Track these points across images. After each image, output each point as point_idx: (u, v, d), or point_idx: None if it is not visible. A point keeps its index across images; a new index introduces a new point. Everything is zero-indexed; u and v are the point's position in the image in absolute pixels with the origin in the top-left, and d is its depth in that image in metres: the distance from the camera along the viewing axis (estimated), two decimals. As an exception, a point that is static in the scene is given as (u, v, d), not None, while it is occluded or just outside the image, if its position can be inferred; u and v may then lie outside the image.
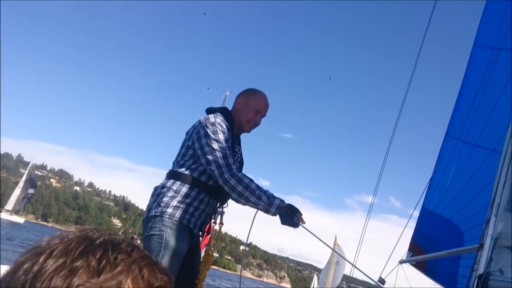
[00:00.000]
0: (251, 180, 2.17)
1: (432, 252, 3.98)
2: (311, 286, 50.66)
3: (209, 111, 2.44)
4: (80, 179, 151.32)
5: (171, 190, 2.20)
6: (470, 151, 4.03)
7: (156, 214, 2.15)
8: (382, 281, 3.72)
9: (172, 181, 2.24)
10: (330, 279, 48.73)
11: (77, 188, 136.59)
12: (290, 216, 2.18)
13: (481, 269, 2.56)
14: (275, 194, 2.20)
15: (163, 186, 2.26)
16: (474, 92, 4.28)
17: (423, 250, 4.16)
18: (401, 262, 3.98)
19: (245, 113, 2.41)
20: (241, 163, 2.49)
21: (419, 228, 4.35)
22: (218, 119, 2.28)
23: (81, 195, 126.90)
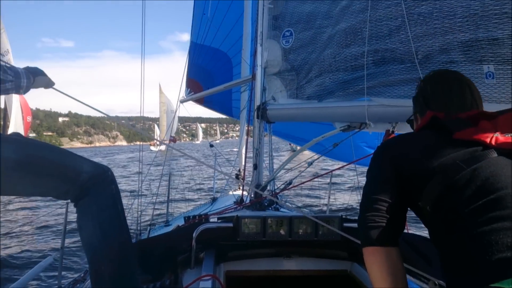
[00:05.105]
0: None
1: (207, 84, 4.17)
2: (154, 135, 53.29)
3: None
4: None
5: None
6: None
7: None
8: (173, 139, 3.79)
9: None
10: (165, 127, 52.18)
11: None
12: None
13: (257, 100, 2.81)
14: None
15: None
16: None
17: (199, 84, 4.32)
18: (182, 101, 4.06)
19: None
20: None
21: (191, 63, 4.37)
22: None
23: None
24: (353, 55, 2.24)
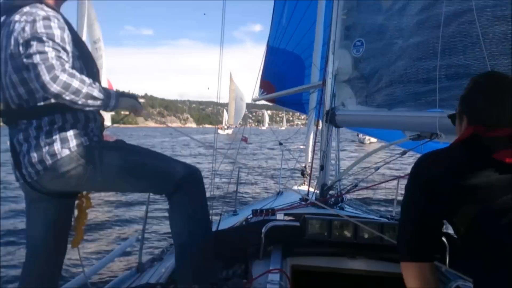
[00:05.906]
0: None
1: (279, 84, 4.38)
2: (223, 119, 57.45)
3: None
4: None
5: None
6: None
7: None
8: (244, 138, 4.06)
9: None
10: (233, 112, 56.38)
11: None
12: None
13: (327, 106, 2.96)
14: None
15: None
16: None
17: (272, 84, 4.54)
18: (255, 100, 4.31)
19: None
20: None
21: (266, 65, 4.60)
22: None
23: None
24: (425, 69, 2.29)
